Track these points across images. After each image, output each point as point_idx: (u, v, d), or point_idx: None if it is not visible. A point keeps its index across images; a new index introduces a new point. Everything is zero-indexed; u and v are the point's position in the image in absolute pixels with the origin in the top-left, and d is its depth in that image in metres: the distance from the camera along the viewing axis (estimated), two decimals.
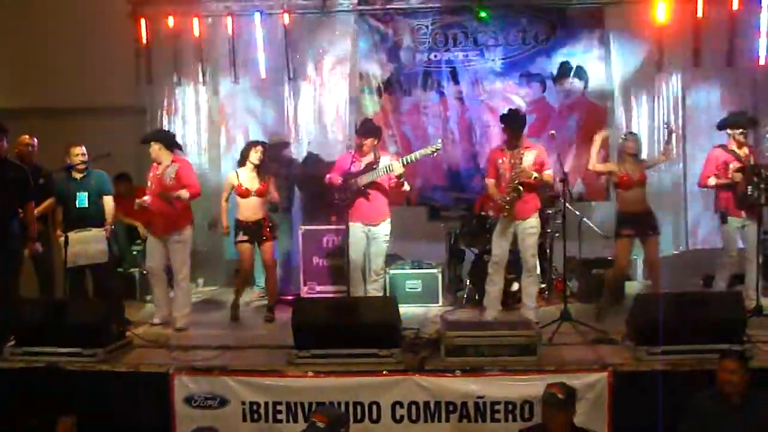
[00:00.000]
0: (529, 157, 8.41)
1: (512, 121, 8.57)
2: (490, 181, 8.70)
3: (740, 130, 8.70)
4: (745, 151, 8.71)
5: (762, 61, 10.48)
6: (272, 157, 9.53)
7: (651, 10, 10.53)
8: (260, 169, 9.03)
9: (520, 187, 8.32)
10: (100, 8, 11.23)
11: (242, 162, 9.08)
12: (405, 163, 8.54)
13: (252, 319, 9.23)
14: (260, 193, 8.99)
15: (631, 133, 9.38)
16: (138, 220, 9.90)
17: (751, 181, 8.38)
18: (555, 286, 9.91)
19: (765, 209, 8.53)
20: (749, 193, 8.40)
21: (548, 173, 8.45)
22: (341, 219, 8.85)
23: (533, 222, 8.56)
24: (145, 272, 9.60)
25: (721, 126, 8.89)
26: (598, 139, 8.95)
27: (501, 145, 8.78)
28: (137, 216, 9.54)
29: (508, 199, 8.35)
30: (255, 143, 9.21)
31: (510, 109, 8.93)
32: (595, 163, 8.88)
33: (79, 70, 11.34)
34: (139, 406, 6.98)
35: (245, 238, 9.01)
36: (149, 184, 8.74)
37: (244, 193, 8.96)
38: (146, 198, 8.61)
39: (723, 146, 8.80)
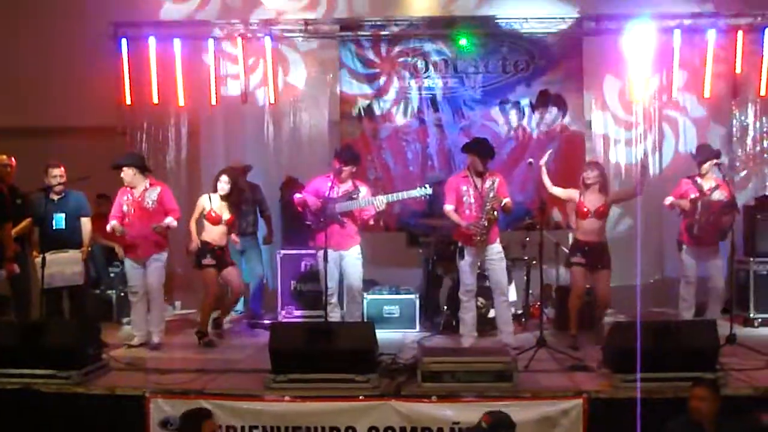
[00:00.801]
0: (494, 184, 8.49)
1: (482, 149, 8.63)
2: (450, 207, 8.64)
3: (706, 163, 8.84)
4: (711, 183, 8.82)
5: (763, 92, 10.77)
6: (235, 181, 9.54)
7: (627, 41, 10.69)
8: (231, 199, 9.03)
9: (495, 213, 8.38)
10: (82, 29, 11.22)
11: (214, 189, 9.09)
12: (389, 200, 8.59)
13: (229, 343, 9.20)
14: (229, 224, 9.03)
15: (593, 163, 9.35)
16: (116, 242, 9.88)
17: (695, 214, 8.62)
18: (532, 312, 9.96)
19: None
20: (692, 225, 8.69)
21: (507, 200, 8.53)
22: (311, 239, 8.88)
23: (499, 247, 8.63)
24: (122, 294, 9.57)
25: (694, 157, 9.01)
26: (542, 163, 8.96)
27: (463, 173, 8.76)
28: (116, 237, 9.54)
29: (486, 225, 8.40)
30: (221, 172, 9.17)
31: (478, 138, 9.01)
32: (552, 187, 8.89)
33: (60, 90, 11.32)
34: (115, 430, 6.90)
35: (212, 262, 8.98)
36: (125, 208, 8.70)
37: (214, 220, 8.97)
38: (117, 225, 8.59)
39: (691, 177, 8.94)
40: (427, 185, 8.85)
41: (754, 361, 7.63)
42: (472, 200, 8.52)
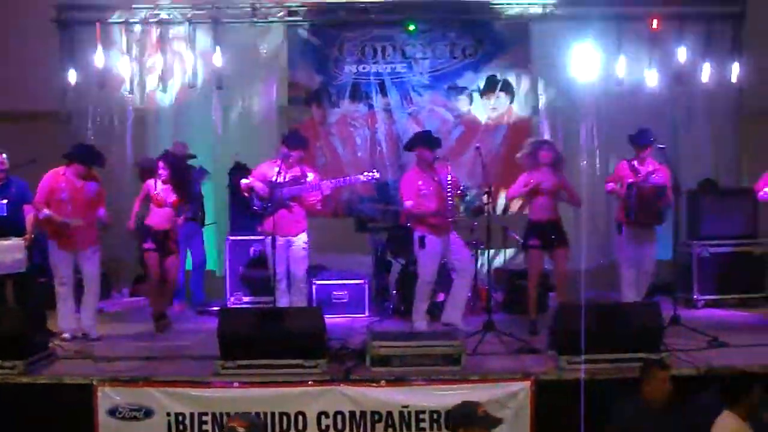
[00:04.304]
0: (448, 173, 8.56)
1: (427, 141, 8.76)
2: (411, 205, 8.70)
3: (642, 147, 8.93)
4: (649, 168, 8.93)
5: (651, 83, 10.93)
6: (179, 168, 9.47)
7: (575, 26, 10.79)
8: (173, 182, 8.95)
9: (460, 195, 8.52)
10: (26, 13, 11.05)
11: (155, 173, 8.99)
12: (336, 185, 8.58)
13: (177, 330, 9.14)
14: (174, 206, 8.94)
15: (546, 141, 9.41)
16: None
17: (630, 197, 8.72)
18: (480, 296, 10.02)
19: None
20: (628, 208, 8.78)
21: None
22: (259, 224, 8.85)
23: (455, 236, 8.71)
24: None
25: (631, 141, 9.10)
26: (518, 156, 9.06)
27: (414, 168, 8.85)
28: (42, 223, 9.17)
29: (461, 209, 8.54)
30: (159, 158, 9.08)
31: (418, 132, 9.14)
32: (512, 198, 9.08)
33: (2, 74, 11.09)
34: (62, 420, 6.83)
35: (153, 246, 8.91)
36: (64, 195, 8.35)
37: (158, 202, 8.90)
38: (76, 219, 8.43)
39: (629, 160, 9.04)
40: (375, 170, 8.88)
41: (697, 342, 7.79)
42: (431, 190, 8.60)
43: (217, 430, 6.74)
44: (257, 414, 6.57)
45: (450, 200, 8.47)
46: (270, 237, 8.39)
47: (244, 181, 8.80)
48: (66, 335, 8.41)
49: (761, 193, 8.66)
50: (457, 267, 8.81)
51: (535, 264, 8.86)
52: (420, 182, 8.66)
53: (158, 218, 8.92)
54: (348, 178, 8.86)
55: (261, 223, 8.76)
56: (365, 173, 8.82)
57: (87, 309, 8.57)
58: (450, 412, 5.49)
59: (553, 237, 8.69)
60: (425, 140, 8.79)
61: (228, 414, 6.65)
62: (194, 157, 10.46)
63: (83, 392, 6.84)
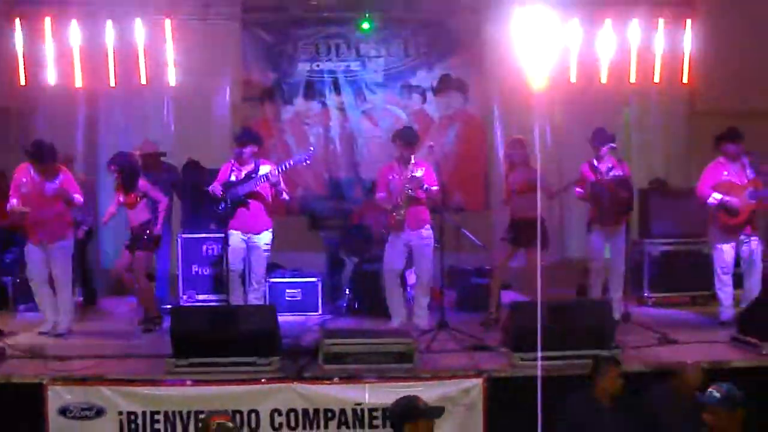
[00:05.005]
0: (419, 173, 8.60)
1: (407, 138, 8.77)
2: (381, 196, 8.82)
3: (603, 147, 8.94)
4: (608, 165, 8.99)
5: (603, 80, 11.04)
6: (148, 165, 9.40)
7: (527, 26, 10.82)
8: (124, 181, 8.88)
9: (413, 194, 8.53)
10: None
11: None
12: (279, 171, 8.58)
13: (130, 329, 9.05)
14: (129, 205, 8.88)
15: (517, 140, 9.32)
16: (16, 224, 9.50)
17: (599, 197, 8.77)
18: (433, 295, 10.04)
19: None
20: (600, 209, 8.82)
21: (435, 188, 8.62)
22: (221, 227, 8.82)
23: (426, 233, 8.74)
24: (18, 280, 9.34)
25: (591, 141, 9.16)
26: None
27: (392, 162, 8.92)
28: (16, 220, 9.13)
29: (402, 204, 8.53)
30: (109, 161, 9.03)
31: (405, 126, 9.17)
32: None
33: None
34: (11, 420, 6.77)
35: (126, 243, 8.98)
36: (24, 189, 8.37)
37: (119, 204, 8.93)
38: (17, 206, 8.35)
39: (588, 161, 9.06)
40: (310, 147, 8.92)
41: (647, 339, 7.93)
42: (397, 185, 8.66)
43: (169, 428, 6.70)
44: (203, 413, 6.54)
45: (400, 198, 8.54)
46: (225, 235, 8.37)
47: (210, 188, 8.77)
48: (43, 328, 8.50)
49: (711, 200, 8.67)
50: (416, 269, 8.88)
51: (500, 257, 8.95)
52: (390, 176, 8.76)
53: (130, 218, 8.94)
54: (287, 161, 8.83)
55: (224, 224, 8.73)
56: (300, 154, 8.93)
57: (60, 303, 8.56)
58: (390, 410, 5.44)
59: (531, 235, 8.76)
60: (399, 135, 8.85)
61: (181, 413, 6.67)
62: (164, 154, 10.36)
63: (34, 391, 6.75)
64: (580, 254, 10.67)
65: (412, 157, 8.73)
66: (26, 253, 8.62)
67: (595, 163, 8.97)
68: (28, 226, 8.50)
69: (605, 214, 8.87)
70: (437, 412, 5.38)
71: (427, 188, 8.53)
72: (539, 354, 6.59)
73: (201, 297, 10.01)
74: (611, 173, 8.90)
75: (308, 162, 8.84)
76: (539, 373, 5.47)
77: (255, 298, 8.75)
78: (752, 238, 8.67)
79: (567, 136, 10.80)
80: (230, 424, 5.30)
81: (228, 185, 8.57)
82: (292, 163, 8.74)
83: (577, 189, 9.04)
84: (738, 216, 8.56)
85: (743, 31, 10.87)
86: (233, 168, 8.66)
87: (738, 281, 8.89)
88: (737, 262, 8.79)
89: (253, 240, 8.68)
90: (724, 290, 8.78)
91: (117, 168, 8.84)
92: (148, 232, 8.91)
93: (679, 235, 10.18)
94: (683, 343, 7.80)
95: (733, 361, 7.22)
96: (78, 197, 8.53)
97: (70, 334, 8.51)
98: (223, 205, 8.62)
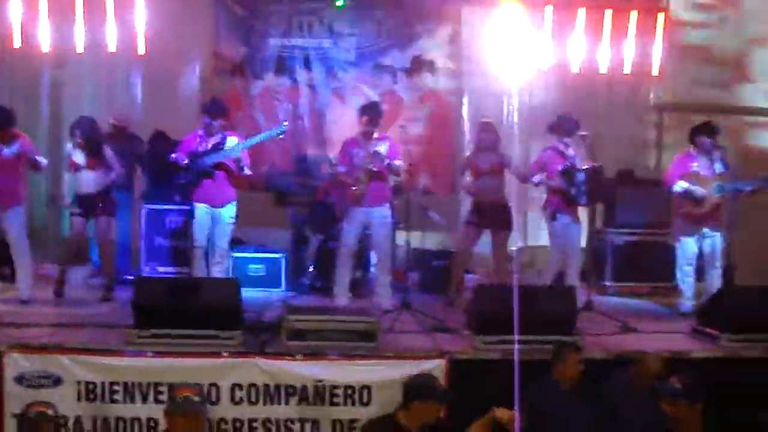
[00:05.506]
0: (383, 147, 8.58)
1: (372, 112, 8.77)
2: (342, 168, 8.80)
3: (567, 133, 8.95)
4: (572, 152, 8.97)
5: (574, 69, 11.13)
6: (113, 135, 9.29)
7: (503, 11, 10.84)
8: (88, 144, 8.78)
9: (374, 169, 8.50)
10: None
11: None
12: (248, 145, 8.51)
13: (89, 298, 8.96)
14: (91, 166, 8.76)
15: (486, 123, 9.34)
16: None
17: (572, 182, 8.74)
18: (396, 275, 10.04)
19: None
20: (572, 194, 8.76)
21: (399, 163, 8.60)
22: (186, 199, 8.76)
23: (386, 211, 8.73)
24: None
25: (551, 129, 9.12)
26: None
27: (356, 136, 8.89)
28: None
29: (362, 178, 8.54)
30: (73, 124, 8.94)
31: (371, 101, 9.12)
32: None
33: None
34: None
35: (78, 211, 8.85)
36: None
37: (76, 167, 8.77)
38: None
39: (553, 147, 9.02)
40: (284, 122, 8.89)
41: (608, 327, 8.01)
42: (359, 160, 8.67)
43: (129, 399, 6.63)
44: (170, 386, 6.51)
45: (361, 172, 8.57)
46: (190, 207, 8.31)
47: (172, 156, 8.68)
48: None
49: (677, 187, 8.73)
50: (374, 247, 8.87)
51: (463, 240, 8.97)
52: (354, 150, 8.76)
53: (82, 184, 8.81)
54: (256, 136, 8.79)
55: (187, 194, 8.66)
56: (274, 129, 8.93)
57: (18, 270, 8.51)
58: (407, 383, 5.55)
59: (494, 218, 8.78)
60: (365, 109, 8.88)
61: (140, 384, 6.62)
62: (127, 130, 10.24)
63: None
64: (543, 241, 10.73)
65: (375, 131, 8.72)
66: None
67: (562, 148, 8.94)
68: None
69: (587, 199, 8.80)
70: (448, 396, 5.42)
71: (389, 163, 8.53)
72: (516, 337, 6.64)
73: (162, 269, 9.92)
74: (579, 161, 8.90)
75: (282, 137, 8.81)
76: (516, 357, 5.56)
77: (219, 272, 8.71)
78: (715, 233, 8.75)
79: (535, 123, 10.79)
80: (197, 398, 5.27)
81: (195, 155, 8.51)
82: (262, 138, 8.69)
83: (536, 176, 9.00)
84: (702, 206, 8.62)
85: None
86: (200, 138, 8.59)
87: (700, 274, 8.98)
88: (700, 255, 8.88)
89: (217, 213, 8.64)
90: (686, 282, 8.87)
91: (81, 134, 8.74)
92: (107, 200, 8.87)
93: (643, 225, 10.26)
94: (644, 333, 7.89)
95: (693, 351, 7.29)
96: (41, 159, 8.45)
97: (31, 301, 8.42)
98: (188, 175, 8.55)
